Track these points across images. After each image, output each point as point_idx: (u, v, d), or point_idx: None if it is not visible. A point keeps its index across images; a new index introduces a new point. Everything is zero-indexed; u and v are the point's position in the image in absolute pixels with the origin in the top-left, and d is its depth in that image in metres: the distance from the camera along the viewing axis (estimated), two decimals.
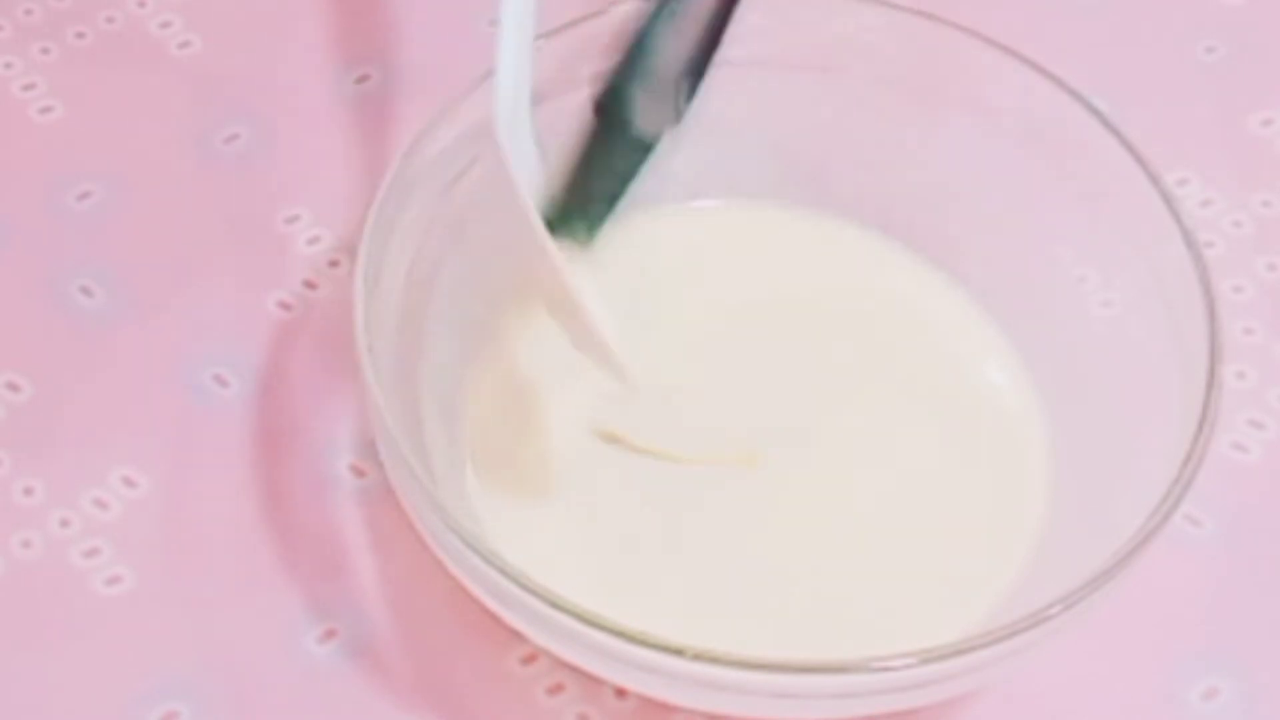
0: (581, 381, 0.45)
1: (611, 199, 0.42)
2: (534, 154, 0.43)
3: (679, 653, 0.36)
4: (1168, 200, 0.43)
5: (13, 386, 0.46)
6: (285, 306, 0.48)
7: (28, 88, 0.52)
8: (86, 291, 0.48)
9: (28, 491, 0.45)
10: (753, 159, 0.48)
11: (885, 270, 0.47)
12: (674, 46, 0.42)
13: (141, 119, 0.52)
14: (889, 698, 0.38)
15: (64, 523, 0.44)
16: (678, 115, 0.42)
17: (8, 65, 0.53)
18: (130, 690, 0.42)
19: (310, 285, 0.48)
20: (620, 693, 0.42)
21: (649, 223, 0.48)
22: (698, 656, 0.36)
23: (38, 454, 0.45)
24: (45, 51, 0.53)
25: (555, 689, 0.42)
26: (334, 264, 0.49)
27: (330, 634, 0.43)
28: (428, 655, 0.43)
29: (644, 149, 0.42)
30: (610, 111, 0.42)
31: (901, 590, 0.43)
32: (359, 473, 0.45)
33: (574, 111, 0.46)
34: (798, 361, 0.46)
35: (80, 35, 0.54)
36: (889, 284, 0.47)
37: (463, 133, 0.44)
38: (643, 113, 0.42)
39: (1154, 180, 0.43)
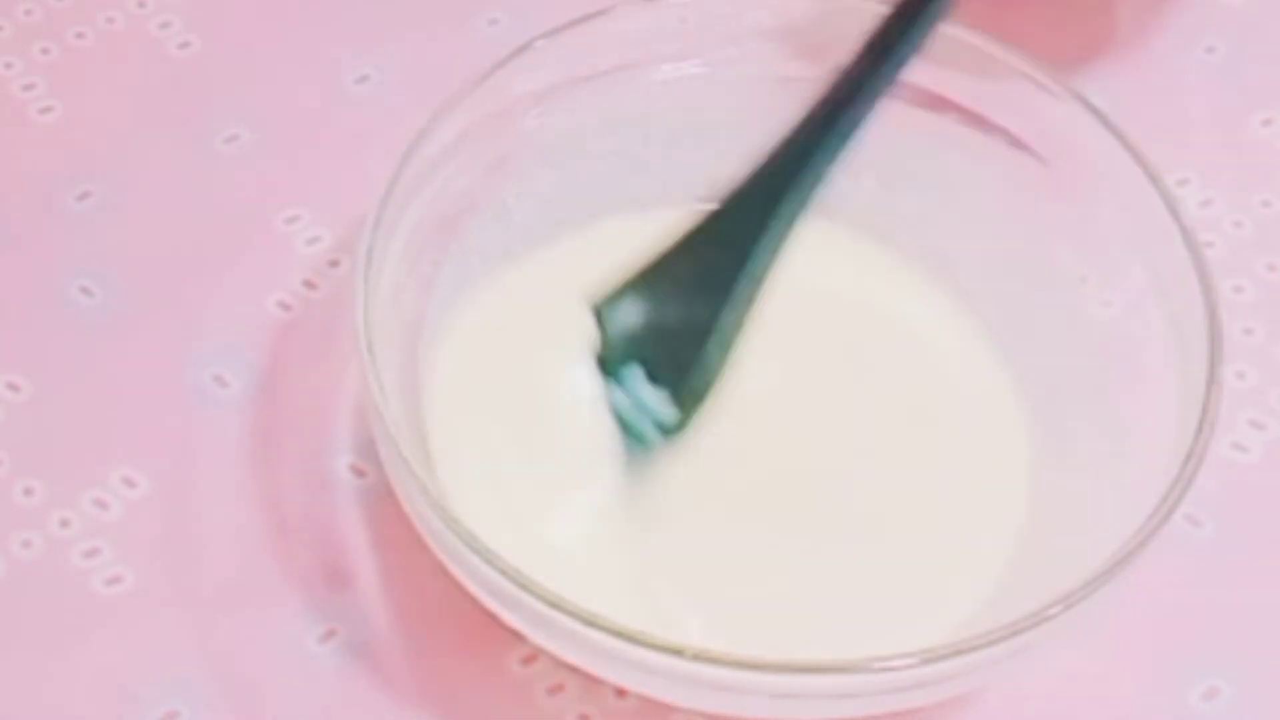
0: (582, 382, 0.45)
1: None
2: None
3: (679, 653, 0.36)
4: (1168, 200, 0.43)
5: (13, 386, 0.46)
6: (285, 306, 0.48)
7: (28, 88, 0.52)
8: (86, 291, 0.48)
9: (28, 491, 0.45)
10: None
11: (881, 270, 0.47)
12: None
13: (141, 119, 0.52)
14: (889, 698, 0.38)
15: (64, 523, 0.44)
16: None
17: (8, 65, 0.53)
18: (130, 690, 0.42)
19: (310, 285, 0.48)
20: (620, 693, 0.42)
21: (640, 225, 0.48)
22: (698, 656, 0.36)
23: (38, 454, 0.45)
24: (45, 51, 0.53)
25: (555, 689, 0.42)
26: (334, 264, 0.49)
27: (330, 634, 0.43)
28: (428, 655, 0.43)
29: None
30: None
31: (901, 590, 0.43)
32: (359, 473, 0.45)
33: (574, 112, 0.46)
34: (790, 363, 0.46)
35: (80, 35, 0.54)
36: (885, 284, 0.47)
37: (463, 133, 0.44)
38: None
39: (1154, 180, 0.43)
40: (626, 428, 0.44)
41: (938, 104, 0.46)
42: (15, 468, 0.45)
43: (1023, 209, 0.46)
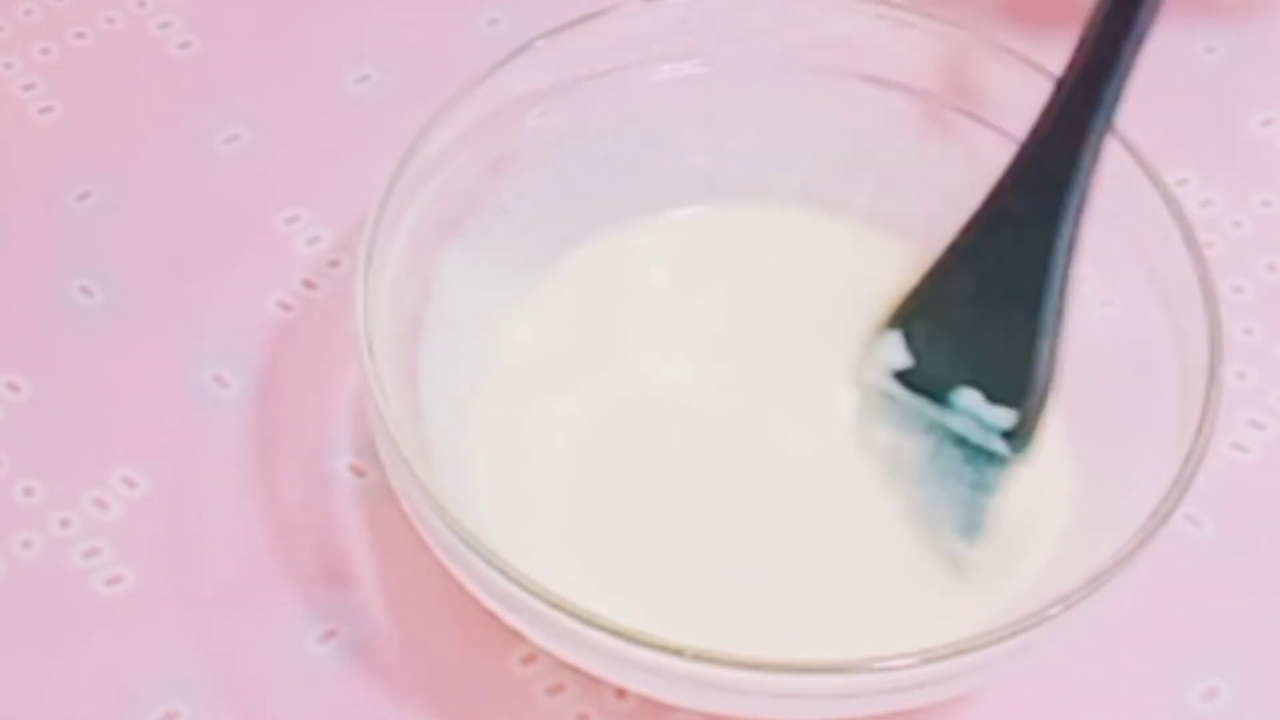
0: (583, 383, 0.45)
1: None
2: None
3: (679, 653, 0.36)
4: (1168, 200, 0.43)
5: (13, 386, 0.47)
6: (285, 307, 0.48)
7: (28, 88, 0.52)
8: (86, 291, 0.48)
9: (28, 491, 0.45)
10: (748, 159, 0.48)
11: (882, 270, 0.47)
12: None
13: (141, 119, 0.52)
14: (889, 698, 0.38)
15: (64, 523, 0.44)
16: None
17: (8, 65, 0.53)
18: (130, 690, 0.42)
19: (310, 285, 0.48)
20: (620, 693, 0.42)
21: (645, 227, 0.48)
22: (698, 656, 0.36)
23: (38, 454, 0.45)
24: (45, 51, 0.53)
25: (555, 689, 0.42)
26: (334, 264, 0.49)
27: (330, 634, 0.43)
28: (428, 655, 0.43)
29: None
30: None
31: (901, 590, 0.42)
32: (359, 473, 0.45)
33: (574, 112, 0.46)
34: (797, 362, 0.46)
35: (80, 35, 0.54)
36: (885, 284, 0.47)
37: (463, 133, 0.44)
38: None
39: (1154, 180, 0.43)
40: (975, 449, 0.44)
41: (937, 103, 0.46)
42: (15, 468, 0.45)
43: None
